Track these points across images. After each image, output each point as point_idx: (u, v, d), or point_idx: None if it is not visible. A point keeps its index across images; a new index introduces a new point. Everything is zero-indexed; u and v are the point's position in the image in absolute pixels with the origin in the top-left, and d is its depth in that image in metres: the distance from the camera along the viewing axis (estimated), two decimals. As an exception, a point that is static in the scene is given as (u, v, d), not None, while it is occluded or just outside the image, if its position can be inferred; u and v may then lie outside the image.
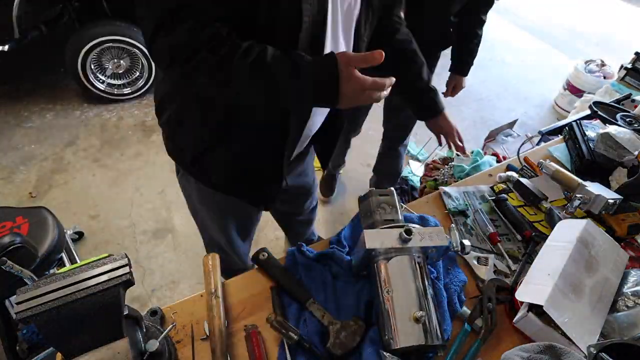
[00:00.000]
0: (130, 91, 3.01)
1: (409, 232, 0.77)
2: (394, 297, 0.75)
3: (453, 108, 3.33)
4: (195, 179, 1.03)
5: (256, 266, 0.92)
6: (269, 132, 0.88)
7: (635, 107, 1.52)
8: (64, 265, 1.61)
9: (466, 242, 0.86)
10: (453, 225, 0.89)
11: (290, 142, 0.90)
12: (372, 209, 0.88)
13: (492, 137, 2.51)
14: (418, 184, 2.36)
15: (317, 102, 0.73)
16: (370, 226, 0.87)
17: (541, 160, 1.20)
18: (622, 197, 1.05)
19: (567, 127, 1.37)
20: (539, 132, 1.56)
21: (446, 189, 1.15)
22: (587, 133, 1.28)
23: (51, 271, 1.38)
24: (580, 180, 1.09)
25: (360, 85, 0.68)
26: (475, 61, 1.76)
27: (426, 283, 0.78)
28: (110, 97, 2.97)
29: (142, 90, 3.04)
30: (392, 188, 0.93)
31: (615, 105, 1.49)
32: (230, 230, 1.21)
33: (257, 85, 0.69)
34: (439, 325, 0.74)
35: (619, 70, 2.62)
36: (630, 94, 1.68)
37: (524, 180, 1.14)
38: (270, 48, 0.68)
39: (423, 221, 1.02)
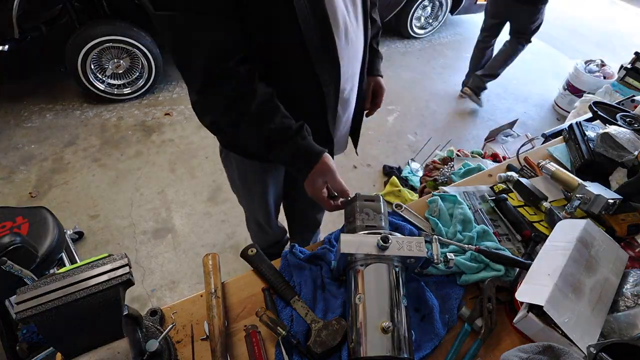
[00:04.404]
0: (130, 91, 3.01)
1: (385, 239, 0.74)
2: (365, 304, 0.72)
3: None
4: (235, 153, 1.13)
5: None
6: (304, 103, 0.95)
7: (635, 107, 1.52)
8: (64, 265, 1.61)
9: (450, 255, 0.83)
10: (435, 236, 0.85)
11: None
12: (355, 213, 0.86)
13: (492, 137, 2.51)
14: (418, 184, 2.36)
15: (290, 166, 0.92)
16: (351, 231, 0.85)
17: (541, 161, 1.20)
18: (622, 197, 1.05)
19: (567, 128, 1.37)
20: (542, 135, 1.55)
21: (446, 188, 1.15)
22: (587, 133, 1.28)
23: (51, 271, 1.38)
24: (580, 180, 1.09)
25: (314, 193, 0.92)
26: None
27: (401, 294, 0.75)
28: (110, 97, 2.97)
29: (142, 90, 3.05)
30: (380, 194, 0.91)
31: (615, 105, 1.49)
32: (268, 202, 1.34)
33: (256, 139, 0.88)
34: (409, 338, 0.71)
35: (619, 71, 2.62)
36: (633, 96, 1.67)
37: (524, 180, 1.14)
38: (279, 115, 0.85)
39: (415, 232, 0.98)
